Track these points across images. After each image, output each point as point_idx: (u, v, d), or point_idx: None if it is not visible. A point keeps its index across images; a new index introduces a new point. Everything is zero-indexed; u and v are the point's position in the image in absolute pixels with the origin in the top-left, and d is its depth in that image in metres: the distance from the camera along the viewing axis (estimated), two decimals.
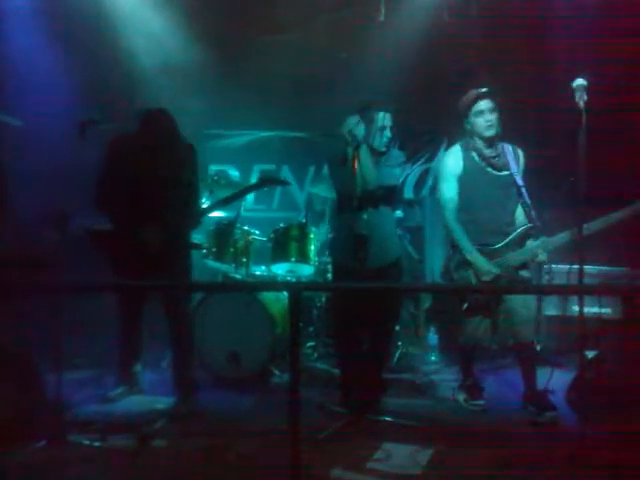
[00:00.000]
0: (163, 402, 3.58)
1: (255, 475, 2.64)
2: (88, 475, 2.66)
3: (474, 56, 5.39)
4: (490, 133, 3.39)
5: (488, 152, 3.42)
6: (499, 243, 3.39)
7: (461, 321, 3.51)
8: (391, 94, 5.29)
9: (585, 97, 2.80)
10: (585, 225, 3.04)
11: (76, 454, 2.82)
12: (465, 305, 3.39)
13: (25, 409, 2.88)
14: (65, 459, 2.76)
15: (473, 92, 3.41)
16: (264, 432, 3.07)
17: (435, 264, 5.23)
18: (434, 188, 5.97)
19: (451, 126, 5.59)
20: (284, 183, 4.52)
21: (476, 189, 3.38)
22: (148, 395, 3.74)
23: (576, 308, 4.25)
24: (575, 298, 4.14)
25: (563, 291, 3.35)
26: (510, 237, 3.39)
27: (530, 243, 3.36)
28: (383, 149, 3.39)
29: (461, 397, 3.59)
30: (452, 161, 3.46)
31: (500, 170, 3.41)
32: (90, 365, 4.10)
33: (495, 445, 2.95)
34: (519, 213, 3.44)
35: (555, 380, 3.29)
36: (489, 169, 3.41)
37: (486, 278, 3.33)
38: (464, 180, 3.41)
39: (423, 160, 5.95)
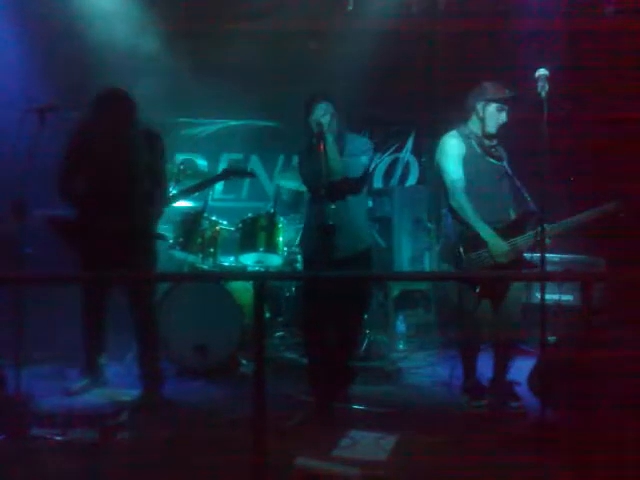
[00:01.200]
0: (128, 394, 3.53)
1: (219, 465, 2.63)
2: (49, 469, 2.61)
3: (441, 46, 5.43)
4: (496, 131, 3.40)
5: (487, 142, 3.41)
6: (502, 227, 3.32)
7: (465, 315, 3.37)
8: (360, 83, 5.38)
9: (547, 87, 2.84)
10: (553, 225, 3.09)
11: (37, 448, 2.76)
12: (477, 289, 3.22)
13: None
14: (25, 453, 2.71)
15: (505, 90, 3.34)
16: (230, 422, 3.06)
17: (403, 254, 5.27)
18: (403, 178, 6.04)
19: (419, 116, 5.78)
20: (249, 175, 4.48)
21: (476, 176, 3.35)
22: (113, 387, 3.69)
23: (538, 295, 4.37)
24: (538, 286, 4.24)
25: (527, 278, 3.33)
26: (511, 221, 3.36)
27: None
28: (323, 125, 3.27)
29: (464, 399, 3.45)
30: (454, 143, 3.41)
31: (499, 160, 3.41)
32: (53, 358, 4.03)
33: (460, 431, 2.99)
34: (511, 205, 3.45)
35: (521, 368, 3.35)
36: (488, 159, 3.41)
37: (501, 259, 3.22)
38: (465, 166, 3.37)
39: (392, 150, 5.98)
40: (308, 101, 3.39)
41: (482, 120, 3.38)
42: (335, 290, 3.25)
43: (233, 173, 4.15)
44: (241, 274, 4.44)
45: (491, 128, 3.38)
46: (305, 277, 3.41)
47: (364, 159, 3.37)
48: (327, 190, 3.12)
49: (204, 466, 2.65)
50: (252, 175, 4.66)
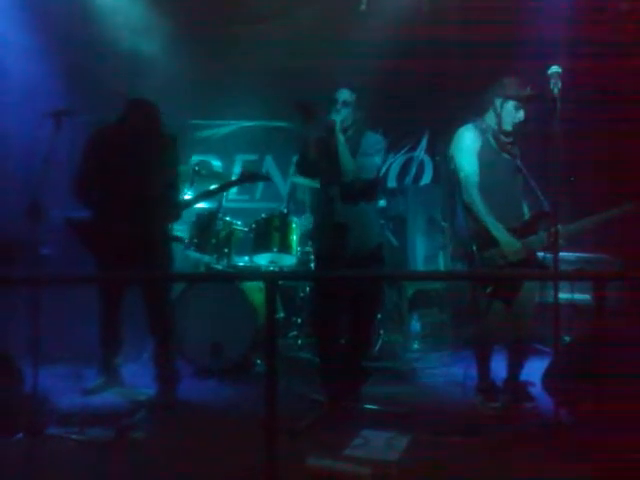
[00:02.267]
0: (144, 394, 3.57)
1: (232, 464, 2.65)
2: (65, 468, 2.65)
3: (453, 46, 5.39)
4: (512, 128, 3.35)
5: (503, 138, 3.36)
6: (515, 226, 3.27)
7: (478, 313, 3.32)
8: (373, 82, 5.37)
9: (559, 84, 2.81)
10: (567, 226, 3.06)
11: (53, 447, 2.80)
12: (489, 289, 3.17)
13: (2, 403, 2.86)
14: (42, 452, 2.75)
15: (526, 88, 3.27)
16: (243, 421, 3.08)
17: (417, 253, 5.25)
18: (417, 177, 6.02)
19: (433, 116, 5.74)
20: (265, 179, 4.50)
21: (492, 172, 3.30)
22: (129, 387, 3.73)
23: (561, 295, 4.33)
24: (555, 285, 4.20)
25: (539, 277, 3.29)
26: (525, 220, 3.31)
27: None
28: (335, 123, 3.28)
29: (478, 399, 3.42)
30: (470, 136, 3.36)
31: (514, 157, 3.36)
32: (70, 358, 4.08)
33: (473, 432, 2.97)
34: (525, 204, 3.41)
35: (536, 368, 3.33)
36: (503, 154, 3.35)
37: (513, 258, 3.17)
38: (480, 160, 3.32)
39: (406, 149, 5.96)
40: (329, 94, 3.37)
41: (499, 116, 3.33)
42: (347, 289, 3.25)
43: (250, 178, 4.15)
44: (251, 274, 4.46)
45: (507, 125, 3.34)
46: (316, 276, 3.40)
47: (377, 159, 3.36)
48: (340, 191, 3.11)
49: (217, 465, 2.67)
50: (268, 179, 4.68)
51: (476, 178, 3.29)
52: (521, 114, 3.33)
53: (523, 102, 3.28)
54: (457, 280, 3.38)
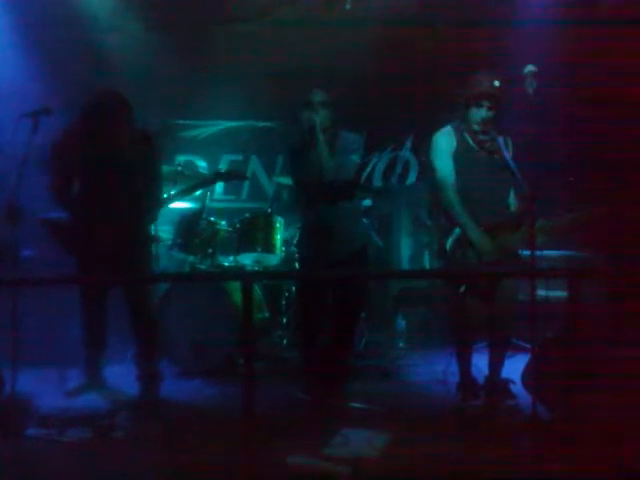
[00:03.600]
0: (125, 395, 3.57)
1: (212, 463, 2.65)
2: (44, 469, 2.65)
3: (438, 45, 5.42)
4: (482, 128, 3.35)
5: (482, 136, 3.37)
6: (494, 223, 3.28)
7: (455, 309, 3.36)
8: (358, 82, 5.38)
9: (535, 84, 2.83)
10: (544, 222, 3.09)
11: (33, 448, 2.80)
12: (463, 288, 3.22)
13: None
14: (22, 453, 2.75)
15: (483, 84, 3.28)
16: (225, 421, 3.08)
17: (403, 252, 5.27)
18: (403, 176, 6.04)
19: (418, 116, 5.76)
20: (240, 177, 4.46)
21: (470, 171, 3.32)
22: (111, 388, 3.72)
23: (543, 293, 4.35)
24: (542, 283, 4.23)
25: (511, 274, 3.31)
26: (505, 218, 3.33)
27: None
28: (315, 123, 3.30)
29: (459, 397, 3.44)
30: (445, 139, 3.38)
31: (493, 154, 3.36)
32: (54, 359, 4.06)
33: (453, 429, 3.00)
34: (512, 199, 3.42)
35: (519, 366, 3.35)
36: (482, 152, 3.37)
37: (487, 258, 3.21)
38: (457, 161, 3.35)
39: (391, 148, 5.97)
40: (305, 95, 3.40)
41: (465, 116, 3.36)
42: (329, 289, 3.27)
43: (224, 175, 4.16)
44: (229, 274, 4.46)
45: (474, 124, 3.35)
46: (294, 276, 3.42)
47: (355, 158, 3.37)
48: (320, 191, 3.12)
49: (197, 464, 2.67)
50: (243, 177, 4.63)
51: (451, 179, 3.33)
52: (483, 112, 3.30)
53: (480, 99, 3.27)
54: (433, 278, 3.38)
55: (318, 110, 3.34)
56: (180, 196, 3.85)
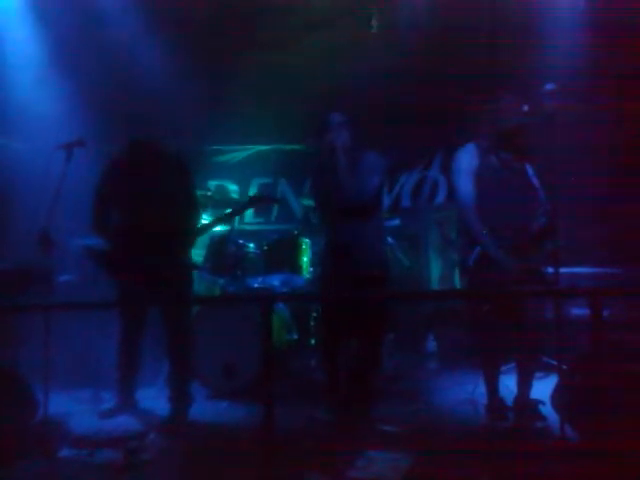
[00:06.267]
0: (156, 416, 3.63)
1: None
2: None
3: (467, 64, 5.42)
4: (509, 150, 3.35)
5: (505, 155, 3.35)
6: (518, 242, 3.25)
7: (480, 328, 3.36)
8: (385, 104, 5.42)
9: (555, 103, 2.81)
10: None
11: (64, 470, 2.87)
12: (486, 307, 3.22)
13: (14, 425, 2.94)
14: (53, 475, 2.82)
15: (512, 117, 3.27)
16: (252, 442, 3.10)
17: (432, 272, 5.24)
18: (432, 196, 6.02)
19: (447, 134, 5.76)
20: (273, 201, 4.55)
21: (492, 190, 3.30)
22: (142, 410, 3.79)
23: (575, 311, 4.26)
24: (573, 301, 4.14)
25: (533, 294, 3.25)
26: (529, 236, 3.28)
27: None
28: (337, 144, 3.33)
29: (488, 418, 3.40)
30: (467, 158, 3.38)
31: (517, 173, 3.34)
32: (90, 381, 4.16)
33: (481, 452, 2.94)
34: (534, 218, 3.35)
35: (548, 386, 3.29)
36: (506, 171, 3.34)
37: (511, 277, 3.15)
38: (480, 179, 3.34)
39: (420, 168, 5.98)
40: (324, 117, 3.45)
41: (493, 139, 3.35)
42: (349, 310, 3.27)
43: (259, 201, 4.24)
44: (248, 296, 4.50)
45: (502, 152, 3.33)
46: (314, 298, 3.44)
47: (375, 180, 3.37)
48: (340, 212, 3.15)
49: None
50: (275, 201, 4.72)
51: (471, 199, 3.32)
52: (515, 141, 3.30)
53: (510, 133, 3.26)
54: (455, 298, 3.36)
55: (339, 131, 3.38)
56: (216, 223, 3.93)
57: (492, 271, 3.19)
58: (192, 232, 3.68)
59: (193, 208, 3.70)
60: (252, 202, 4.08)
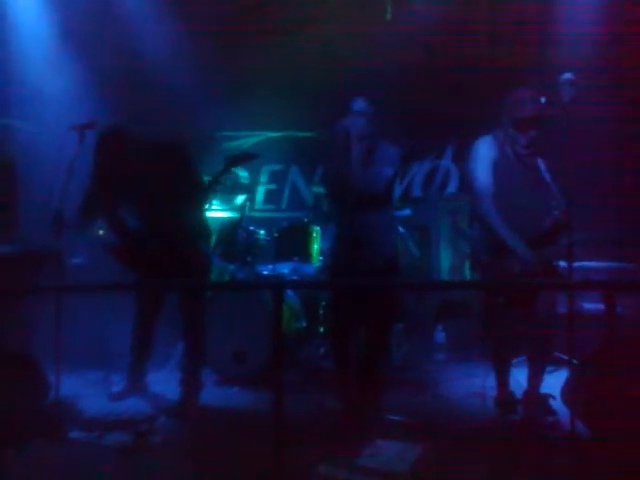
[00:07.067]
0: (167, 400, 3.65)
1: (245, 471, 2.69)
2: (84, 472, 2.73)
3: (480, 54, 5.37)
4: (525, 146, 3.31)
5: (521, 149, 3.32)
6: (532, 236, 3.22)
7: (492, 321, 3.34)
8: (398, 92, 5.38)
9: (572, 92, 2.77)
10: None
11: (74, 451, 2.90)
12: (501, 299, 3.19)
13: (26, 407, 2.97)
14: (63, 457, 2.84)
15: (529, 107, 3.22)
16: (261, 429, 3.11)
17: (442, 262, 5.22)
18: (443, 185, 5.98)
19: (459, 124, 5.71)
20: (249, 157, 4.29)
21: (508, 182, 3.27)
22: (153, 393, 3.81)
23: (587, 306, 4.22)
24: (585, 296, 4.11)
25: (547, 287, 3.22)
26: (543, 230, 3.23)
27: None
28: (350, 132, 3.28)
29: (497, 411, 3.39)
30: (486, 148, 3.35)
31: (532, 167, 3.31)
32: (96, 363, 4.19)
33: (488, 444, 2.94)
34: (548, 210, 3.28)
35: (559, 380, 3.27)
36: (521, 164, 3.32)
37: (529, 269, 3.12)
38: (497, 171, 3.30)
39: (432, 157, 5.93)
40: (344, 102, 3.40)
41: (509, 133, 3.30)
42: (358, 299, 3.26)
43: (235, 161, 4.05)
44: (259, 283, 4.49)
45: (519, 143, 3.29)
46: (325, 285, 3.43)
47: (388, 171, 3.33)
48: (349, 201, 3.12)
49: (230, 471, 2.71)
50: (253, 157, 4.44)
51: (489, 189, 3.28)
52: (530, 134, 3.26)
53: (527, 124, 3.22)
54: (469, 289, 3.33)
55: (355, 118, 3.33)
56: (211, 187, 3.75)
57: (509, 263, 3.16)
58: (201, 219, 3.65)
59: (197, 194, 3.58)
60: (229, 165, 3.96)
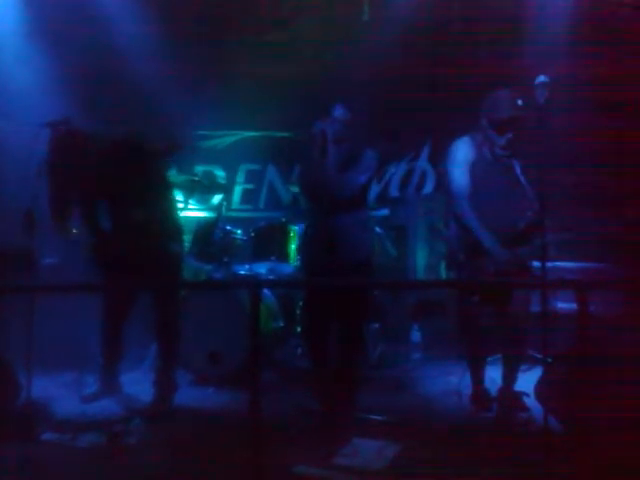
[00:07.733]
0: (140, 401, 3.61)
1: (221, 471, 2.67)
2: (57, 473, 2.69)
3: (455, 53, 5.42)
4: (502, 148, 3.35)
5: (499, 150, 3.36)
6: (507, 236, 3.26)
7: (467, 319, 3.39)
8: (375, 92, 5.40)
9: (545, 94, 2.81)
10: None
11: (46, 453, 2.85)
12: (475, 298, 3.24)
13: None
14: (35, 458, 2.79)
15: (506, 109, 3.26)
16: (236, 429, 3.09)
17: (418, 262, 5.25)
18: (419, 186, 6.02)
19: (435, 125, 5.76)
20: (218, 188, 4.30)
21: (485, 183, 3.31)
22: (126, 394, 3.76)
23: (560, 305, 4.29)
24: (558, 295, 4.17)
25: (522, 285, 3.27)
26: (518, 231, 3.29)
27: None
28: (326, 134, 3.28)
29: (472, 408, 3.45)
30: (463, 149, 3.38)
31: (508, 168, 3.34)
32: (73, 365, 4.12)
33: (464, 441, 2.97)
34: (523, 212, 3.35)
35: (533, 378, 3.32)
36: (498, 165, 3.35)
37: (503, 268, 3.16)
38: (474, 172, 3.34)
39: (408, 158, 5.97)
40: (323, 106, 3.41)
41: (487, 134, 3.34)
42: (332, 299, 3.26)
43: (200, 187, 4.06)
44: (235, 282, 4.48)
45: (497, 144, 3.33)
46: (299, 285, 3.43)
47: (364, 175, 3.32)
48: (323, 203, 3.12)
49: (206, 472, 2.69)
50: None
51: (466, 190, 3.32)
52: (507, 135, 3.30)
53: (504, 125, 3.26)
54: (444, 288, 3.37)
55: (333, 122, 3.34)
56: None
57: (484, 263, 3.20)
58: (172, 218, 3.63)
59: (166, 193, 3.61)
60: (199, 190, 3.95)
